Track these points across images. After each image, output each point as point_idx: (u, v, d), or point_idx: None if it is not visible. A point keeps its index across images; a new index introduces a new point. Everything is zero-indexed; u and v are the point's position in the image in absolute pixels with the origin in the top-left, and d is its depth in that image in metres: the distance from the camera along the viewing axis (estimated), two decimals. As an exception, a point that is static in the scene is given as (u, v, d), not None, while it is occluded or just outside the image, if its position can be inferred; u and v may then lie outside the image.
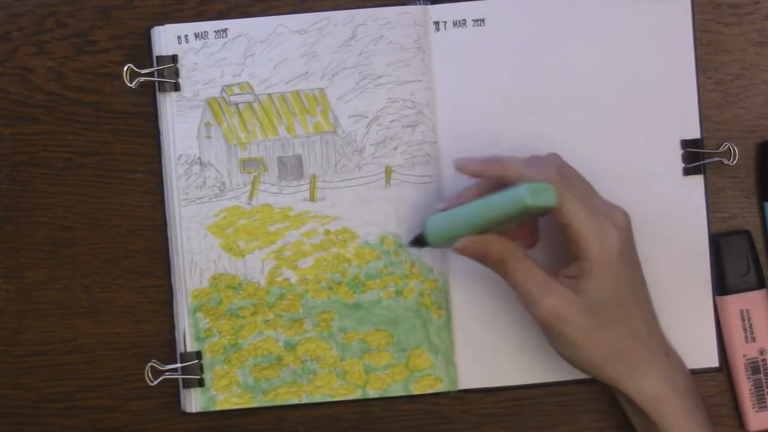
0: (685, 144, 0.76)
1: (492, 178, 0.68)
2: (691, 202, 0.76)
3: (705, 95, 0.77)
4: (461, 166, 0.69)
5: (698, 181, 0.77)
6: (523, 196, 0.63)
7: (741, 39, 0.77)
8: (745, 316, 0.76)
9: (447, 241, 0.69)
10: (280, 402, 0.77)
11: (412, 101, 0.76)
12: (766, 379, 0.77)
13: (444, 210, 0.70)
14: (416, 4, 0.76)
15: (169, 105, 0.76)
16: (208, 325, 0.76)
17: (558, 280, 0.68)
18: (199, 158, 0.76)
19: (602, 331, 0.68)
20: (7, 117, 0.77)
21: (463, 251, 0.68)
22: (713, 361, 0.77)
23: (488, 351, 0.76)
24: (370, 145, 0.76)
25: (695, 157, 0.76)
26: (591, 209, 0.67)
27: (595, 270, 0.67)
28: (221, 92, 0.76)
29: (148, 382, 0.76)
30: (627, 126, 0.76)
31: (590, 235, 0.66)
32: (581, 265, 0.67)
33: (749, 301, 0.76)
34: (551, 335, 0.69)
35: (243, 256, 0.76)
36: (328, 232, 0.76)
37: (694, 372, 0.77)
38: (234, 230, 0.76)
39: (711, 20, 0.77)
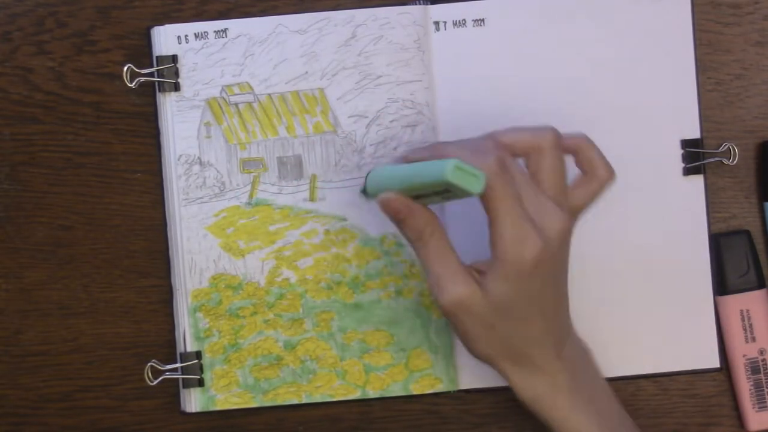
0: (685, 144, 0.76)
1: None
2: (691, 202, 0.76)
3: (705, 95, 0.77)
4: (405, 158, 0.68)
5: (698, 181, 0.77)
6: (445, 170, 0.62)
7: (741, 39, 0.77)
8: (745, 316, 0.76)
9: (376, 195, 0.68)
10: (279, 402, 0.77)
11: (412, 101, 0.76)
12: (766, 379, 0.77)
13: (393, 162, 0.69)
14: (416, 4, 0.76)
15: (169, 105, 0.76)
16: (208, 325, 0.76)
17: (468, 271, 0.67)
18: (199, 158, 0.76)
19: (498, 328, 0.67)
20: (7, 117, 0.77)
21: (384, 204, 0.66)
22: (713, 361, 0.77)
23: (488, 351, 0.76)
24: (370, 145, 0.76)
25: (695, 157, 0.76)
26: (520, 212, 0.65)
27: (504, 274, 0.65)
28: (221, 92, 0.76)
29: (148, 382, 0.76)
30: (627, 126, 0.76)
31: (508, 238, 0.65)
32: (493, 264, 0.66)
33: (749, 301, 0.76)
34: (451, 324, 0.68)
35: (243, 256, 0.76)
36: (328, 232, 0.76)
37: (694, 372, 0.77)
38: (234, 230, 0.76)
39: (711, 20, 0.77)
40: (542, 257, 0.65)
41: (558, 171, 0.67)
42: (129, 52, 0.77)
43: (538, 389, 0.69)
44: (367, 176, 0.70)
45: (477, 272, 0.67)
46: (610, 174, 0.69)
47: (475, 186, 0.62)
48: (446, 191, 0.64)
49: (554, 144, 0.67)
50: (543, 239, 0.65)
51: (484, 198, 0.64)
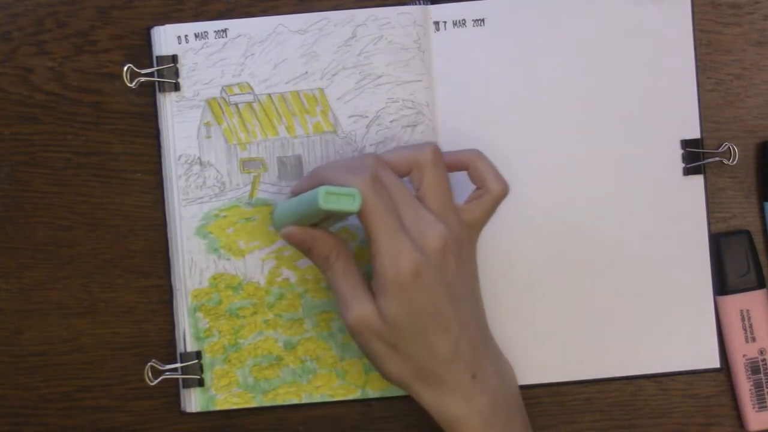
0: (685, 144, 0.76)
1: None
2: (691, 202, 0.76)
3: (705, 95, 0.77)
4: (292, 191, 0.71)
5: (698, 181, 0.77)
6: (317, 198, 0.64)
7: (741, 39, 0.77)
8: (745, 316, 0.76)
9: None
10: (279, 402, 0.77)
11: (412, 101, 0.76)
12: (766, 379, 0.77)
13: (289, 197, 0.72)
14: (416, 4, 0.76)
15: (169, 105, 0.76)
16: (207, 325, 0.76)
17: (371, 290, 0.68)
18: (199, 158, 0.76)
19: (400, 347, 0.68)
20: (7, 117, 0.77)
21: (287, 238, 0.68)
22: (713, 361, 0.77)
23: (488, 351, 0.76)
24: (370, 145, 0.76)
25: (695, 157, 0.76)
26: (395, 224, 0.66)
27: (386, 287, 0.66)
28: (221, 92, 0.76)
29: (148, 382, 0.76)
30: (627, 126, 0.76)
31: (384, 251, 0.66)
32: (376, 280, 0.67)
33: (749, 301, 0.76)
34: (359, 344, 0.69)
35: (243, 256, 0.76)
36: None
37: (694, 372, 0.77)
38: (234, 230, 0.76)
39: (711, 20, 0.77)
40: (420, 269, 0.66)
41: (439, 185, 0.68)
42: (129, 52, 0.77)
43: (453, 411, 0.69)
44: (272, 212, 0.73)
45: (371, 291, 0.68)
46: (503, 188, 0.70)
47: (351, 205, 0.64)
48: (333, 215, 0.66)
49: (433, 159, 0.69)
50: (420, 251, 0.66)
51: (360, 213, 0.65)
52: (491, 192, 0.70)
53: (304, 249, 0.69)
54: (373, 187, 0.66)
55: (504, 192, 0.70)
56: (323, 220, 0.68)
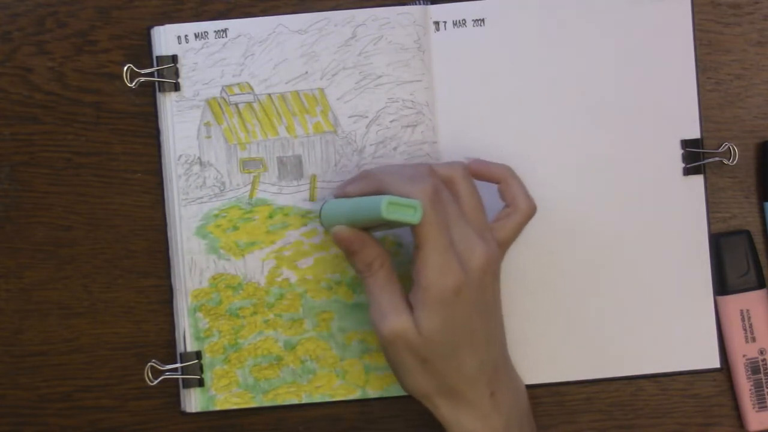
0: (685, 144, 0.76)
1: (370, 194, 0.69)
2: (691, 202, 0.76)
3: (705, 95, 0.77)
4: (343, 190, 0.71)
5: (698, 181, 0.77)
6: (379, 207, 0.64)
7: (741, 39, 0.77)
8: (745, 316, 0.76)
9: (331, 227, 0.70)
10: (279, 402, 0.77)
11: (412, 101, 0.76)
12: (766, 379, 0.77)
13: (335, 196, 0.72)
14: (416, 4, 0.76)
15: (169, 105, 0.76)
16: (207, 325, 0.76)
17: (409, 304, 0.68)
18: (199, 158, 0.76)
19: (431, 362, 0.68)
20: (7, 117, 0.77)
21: (337, 237, 0.68)
22: (713, 361, 0.77)
23: (488, 351, 0.76)
24: (370, 145, 0.76)
25: (695, 157, 0.76)
26: (446, 241, 0.66)
27: (427, 301, 0.66)
28: (221, 92, 0.76)
29: (148, 382, 0.76)
30: (627, 126, 0.76)
31: (432, 266, 0.66)
32: (416, 293, 0.67)
33: (749, 301, 0.76)
34: (388, 355, 0.69)
35: (243, 256, 0.76)
36: (328, 232, 0.76)
37: (694, 372, 0.77)
38: (234, 230, 0.76)
39: (711, 20, 0.77)
40: (462, 287, 0.66)
41: (474, 202, 0.69)
42: (129, 52, 0.77)
43: (469, 427, 0.69)
44: (321, 208, 0.73)
45: (409, 304, 0.68)
46: (532, 207, 0.71)
47: (413, 217, 0.64)
48: (388, 223, 0.66)
49: (465, 174, 0.69)
50: (465, 270, 0.66)
51: (417, 226, 0.65)
52: (521, 210, 0.71)
53: (350, 251, 0.69)
54: (433, 200, 0.66)
55: (533, 211, 0.71)
56: (376, 226, 0.68)
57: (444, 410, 0.69)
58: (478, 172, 0.72)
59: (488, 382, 0.69)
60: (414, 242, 0.66)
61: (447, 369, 0.68)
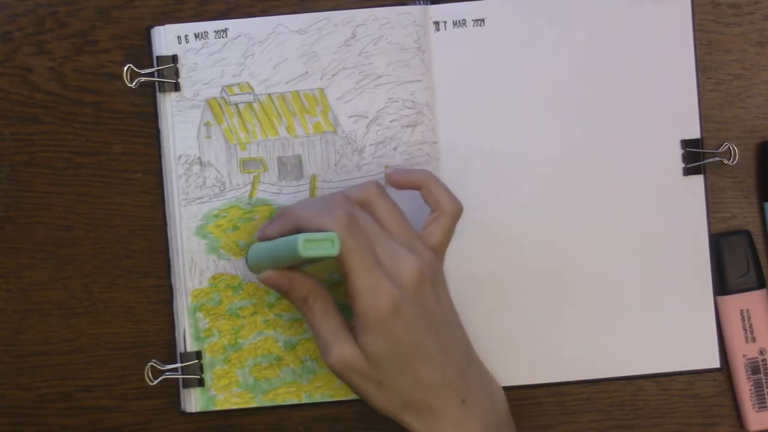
0: (685, 144, 0.76)
1: (289, 233, 0.69)
2: (691, 202, 0.76)
3: (705, 95, 0.77)
4: (263, 234, 0.71)
5: (698, 181, 0.77)
6: (296, 246, 0.64)
7: (741, 39, 0.77)
8: (745, 316, 0.76)
9: (259, 271, 0.71)
10: (279, 402, 0.77)
11: (412, 101, 0.76)
12: (766, 379, 0.77)
13: (258, 239, 0.73)
14: (416, 4, 0.76)
15: (169, 105, 0.76)
16: (208, 325, 0.76)
17: (352, 331, 0.68)
18: (199, 158, 0.76)
19: (386, 383, 0.68)
20: (7, 117, 0.77)
21: (265, 282, 0.69)
22: (713, 361, 0.77)
23: (487, 351, 0.76)
24: (370, 145, 0.76)
25: (695, 157, 0.76)
26: (372, 263, 0.66)
27: (367, 326, 0.67)
28: (221, 92, 0.76)
29: (148, 382, 0.76)
30: (627, 126, 0.76)
31: (362, 291, 0.66)
32: (356, 320, 0.67)
33: (749, 301, 0.76)
34: (344, 382, 0.69)
35: (243, 256, 0.76)
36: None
37: (694, 372, 0.77)
38: (234, 230, 0.76)
39: (711, 20, 0.77)
40: (399, 304, 0.66)
41: (394, 215, 0.69)
42: (129, 52, 0.77)
43: None
44: (246, 254, 0.74)
45: (352, 330, 0.68)
46: (457, 207, 0.71)
47: (331, 249, 0.64)
48: (312, 260, 0.66)
49: (379, 192, 0.69)
50: (398, 287, 0.66)
51: (338, 255, 0.65)
52: (446, 213, 0.70)
53: (282, 292, 0.69)
54: (349, 227, 0.66)
55: (459, 211, 0.71)
56: (302, 263, 0.68)
57: (416, 425, 0.69)
58: (399, 181, 0.72)
59: (455, 390, 0.69)
60: (342, 272, 0.67)
61: (404, 385, 0.68)
